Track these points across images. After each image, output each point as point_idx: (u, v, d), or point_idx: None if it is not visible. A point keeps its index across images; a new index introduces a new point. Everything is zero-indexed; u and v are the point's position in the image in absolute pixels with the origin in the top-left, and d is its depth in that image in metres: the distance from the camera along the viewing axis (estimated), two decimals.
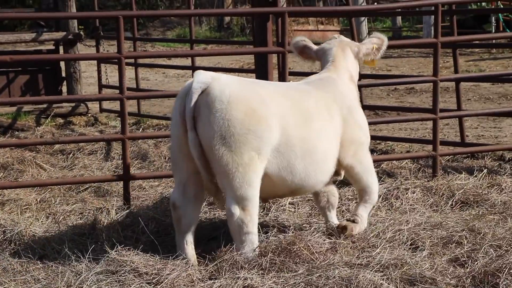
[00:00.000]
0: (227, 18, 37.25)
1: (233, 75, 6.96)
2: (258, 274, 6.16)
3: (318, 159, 6.74)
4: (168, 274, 6.18)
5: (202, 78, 6.40)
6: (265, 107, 6.45)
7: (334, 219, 7.53)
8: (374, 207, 7.39)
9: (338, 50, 7.58)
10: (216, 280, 6.11)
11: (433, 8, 9.64)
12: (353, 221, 7.15)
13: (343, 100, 7.10)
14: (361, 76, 11.71)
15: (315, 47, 7.73)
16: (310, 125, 6.71)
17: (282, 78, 9.44)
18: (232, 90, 6.37)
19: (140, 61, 15.86)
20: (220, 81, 6.41)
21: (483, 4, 25.05)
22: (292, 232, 6.91)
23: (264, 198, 7.08)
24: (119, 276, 6.18)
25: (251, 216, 6.42)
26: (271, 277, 6.09)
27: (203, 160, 6.41)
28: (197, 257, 6.70)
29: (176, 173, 6.70)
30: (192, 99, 6.35)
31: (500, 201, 8.37)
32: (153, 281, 6.10)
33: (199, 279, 6.21)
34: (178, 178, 6.68)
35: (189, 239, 6.72)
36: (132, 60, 15.38)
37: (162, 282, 6.07)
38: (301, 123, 6.65)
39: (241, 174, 6.33)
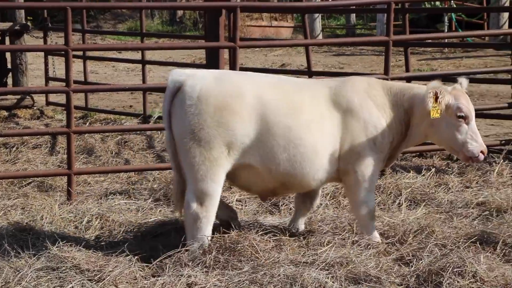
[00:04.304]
0: (179, 12, 37.02)
1: (224, 70, 7.01)
2: (202, 272, 6.13)
3: (305, 152, 6.65)
4: (110, 271, 6.12)
5: (175, 76, 6.56)
6: (240, 100, 6.49)
7: (301, 222, 7.38)
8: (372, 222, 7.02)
9: None
10: (159, 278, 6.06)
11: (386, 6, 9.63)
12: None
13: (350, 102, 6.84)
14: (312, 73, 11.73)
15: None
16: (298, 116, 6.64)
17: None
18: (203, 85, 6.47)
19: (90, 54, 15.66)
20: (193, 78, 6.53)
21: (437, 3, 25.22)
22: (238, 230, 6.84)
23: (262, 195, 7.12)
24: (60, 272, 6.11)
25: (207, 213, 6.46)
26: (215, 275, 6.06)
27: (176, 160, 6.57)
28: (141, 255, 6.60)
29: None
30: (167, 98, 6.53)
31: (447, 200, 8.41)
32: (95, 278, 6.04)
33: (142, 276, 6.16)
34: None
35: (233, 218, 7.05)
36: (81, 53, 15.18)
37: (104, 279, 6.00)
38: (287, 113, 6.61)
39: (206, 168, 6.42)
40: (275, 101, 6.60)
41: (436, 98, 6.71)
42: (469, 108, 6.79)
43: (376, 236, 6.90)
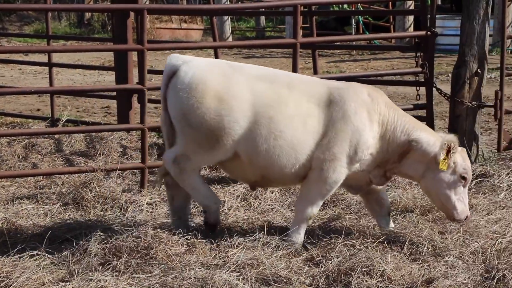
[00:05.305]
0: (87, 14, 36.58)
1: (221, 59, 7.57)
2: (112, 276, 6.11)
3: (283, 144, 6.79)
4: (17, 276, 6.04)
5: (172, 61, 6.95)
6: (229, 89, 6.80)
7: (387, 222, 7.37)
8: (305, 224, 7.04)
9: None
10: (68, 282, 6.02)
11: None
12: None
13: (347, 104, 6.91)
14: None
15: None
16: (282, 108, 6.81)
17: (140, 76, 9.29)
18: (195, 72, 6.84)
19: None
20: (188, 64, 6.90)
21: (345, 6, 25.55)
22: (148, 233, 6.79)
23: (251, 184, 7.27)
24: None
25: (181, 170, 6.89)
26: (126, 279, 6.05)
27: (170, 140, 6.99)
28: (49, 260, 6.55)
29: None
30: (163, 81, 6.94)
31: (356, 201, 8.50)
32: (1, 284, 5.94)
33: (50, 281, 6.10)
34: None
35: (183, 215, 7.17)
36: None
37: (11, 285, 5.93)
38: (272, 104, 6.80)
39: (194, 146, 6.83)
40: (263, 92, 6.82)
41: (448, 152, 6.87)
42: (470, 172, 7.10)
43: (300, 237, 6.96)
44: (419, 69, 10.21)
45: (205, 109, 6.74)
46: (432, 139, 7.03)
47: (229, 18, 30.24)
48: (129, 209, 8.20)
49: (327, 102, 6.92)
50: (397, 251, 6.58)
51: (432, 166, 6.96)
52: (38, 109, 15.72)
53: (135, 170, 9.66)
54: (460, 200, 6.98)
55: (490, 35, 10.35)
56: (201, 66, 6.93)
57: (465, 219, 7.04)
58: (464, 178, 6.97)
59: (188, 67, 6.87)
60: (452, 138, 7.00)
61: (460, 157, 6.98)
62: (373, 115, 6.97)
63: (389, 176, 7.25)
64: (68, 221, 7.85)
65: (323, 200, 7.10)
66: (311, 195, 6.98)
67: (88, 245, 6.57)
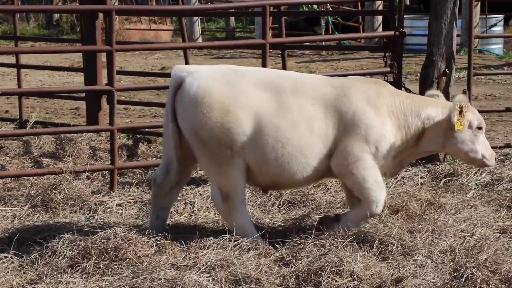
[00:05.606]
0: (56, 15, 36.35)
1: (228, 65, 7.23)
2: (81, 278, 6.10)
3: (291, 151, 6.77)
4: None
5: (177, 72, 6.85)
6: (235, 100, 6.70)
7: None
8: (369, 217, 7.10)
9: None
10: (37, 285, 6.01)
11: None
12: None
13: (354, 105, 6.92)
14: None
15: None
16: (286, 115, 6.75)
17: (109, 77, 9.26)
18: (200, 84, 6.72)
19: None
20: (193, 75, 6.79)
21: (315, 6, 25.57)
22: (118, 235, 6.77)
23: (263, 189, 7.29)
24: None
25: (230, 208, 6.81)
26: (95, 281, 6.05)
27: (178, 151, 6.87)
28: (17, 262, 6.52)
29: (163, 153, 7.20)
30: (169, 93, 6.84)
31: (326, 201, 8.51)
32: None
33: (18, 283, 6.09)
34: (164, 158, 7.13)
35: (162, 215, 7.16)
36: None
37: None
38: (276, 112, 6.74)
39: (215, 166, 6.77)
40: (267, 100, 6.75)
41: (461, 111, 7.00)
42: (482, 119, 7.29)
43: (353, 225, 6.95)
44: (388, 69, 10.24)
45: (212, 123, 6.65)
46: (439, 109, 7.16)
47: (199, 19, 30.17)
48: (98, 211, 8.19)
49: (333, 103, 6.92)
50: (367, 251, 6.60)
51: (449, 133, 7.11)
52: (6, 111, 15.59)
53: (104, 172, 9.61)
54: (485, 147, 7.21)
55: (457, 35, 10.42)
56: (205, 76, 6.81)
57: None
58: (480, 128, 7.17)
59: (193, 79, 6.77)
60: (462, 97, 7.18)
61: (469, 112, 7.11)
62: (382, 109, 7.01)
63: (404, 165, 7.44)
64: (36, 223, 7.81)
65: (383, 190, 7.05)
66: (367, 196, 6.99)
67: (56, 247, 6.55)
